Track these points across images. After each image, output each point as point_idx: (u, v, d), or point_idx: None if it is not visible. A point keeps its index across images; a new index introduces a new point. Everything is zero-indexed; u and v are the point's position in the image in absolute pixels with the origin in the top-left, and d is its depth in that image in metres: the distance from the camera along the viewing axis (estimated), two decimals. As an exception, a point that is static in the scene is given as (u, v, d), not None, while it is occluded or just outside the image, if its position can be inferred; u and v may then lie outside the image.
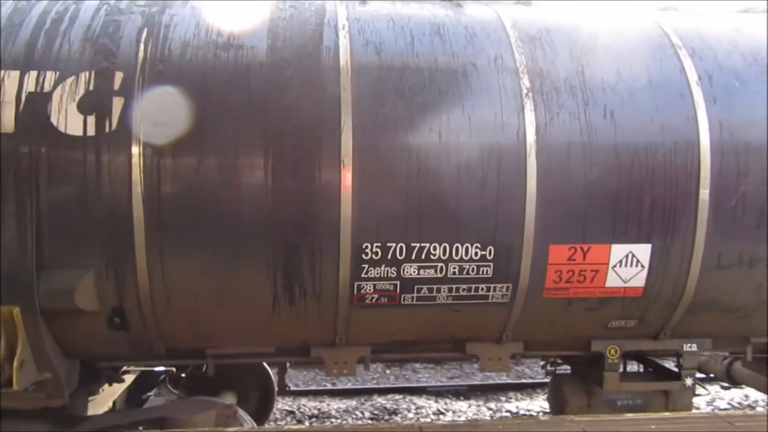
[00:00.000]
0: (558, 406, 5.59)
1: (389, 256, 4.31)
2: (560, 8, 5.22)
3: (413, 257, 4.33)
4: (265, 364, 6.54)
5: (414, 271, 4.37)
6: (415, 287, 4.43)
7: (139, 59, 4.20)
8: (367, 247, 4.27)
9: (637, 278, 4.58)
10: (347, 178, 4.16)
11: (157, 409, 4.90)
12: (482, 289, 4.50)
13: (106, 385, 5.53)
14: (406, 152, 4.25)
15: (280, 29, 4.47)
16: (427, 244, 4.32)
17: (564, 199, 4.39)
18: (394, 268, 4.35)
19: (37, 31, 4.24)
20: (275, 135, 4.17)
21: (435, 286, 4.45)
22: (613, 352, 5.04)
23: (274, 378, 6.60)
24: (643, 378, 5.46)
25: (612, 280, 4.57)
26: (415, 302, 4.49)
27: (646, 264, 4.55)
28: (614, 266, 4.53)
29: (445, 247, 4.34)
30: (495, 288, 4.50)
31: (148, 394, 6.03)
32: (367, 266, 4.32)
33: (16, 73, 4.06)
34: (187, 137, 4.10)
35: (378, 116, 4.25)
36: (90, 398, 5.23)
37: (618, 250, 4.50)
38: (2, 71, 4.04)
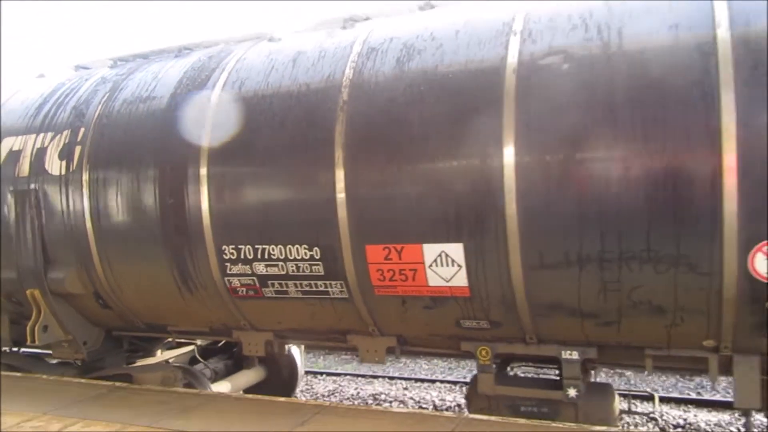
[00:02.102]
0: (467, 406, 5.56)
1: (242, 256, 5.21)
2: (434, 13, 5.33)
3: (260, 257, 5.15)
4: (294, 348, 7.75)
5: (263, 269, 5.18)
6: (269, 282, 5.22)
7: (95, 117, 5.94)
8: (225, 248, 5.25)
9: (458, 277, 4.55)
10: (204, 194, 5.22)
11: (125, 368, 6.57)
12: (320, 285, 5.05)
13: (159, 352, 7.47)
14: (246, 174, 5.11)
15: (185, 83, 5.73)
16: (268, 246, 5.09)
17: (374, 202, 4.68)
18: (248, 266, 5.22)
19: (52, 103, 6.32)
20: (163, 164, 5.46)
21: (283, 282, 5.16)
22: (483, 353, 4.96)
23: (300, 361, 7.76)
24: (529, 384, 5.10)
25: (433, 279, 4.63)
26: (275, 295, 5.28)
27: (463, 263, 4.50)
28: (430, 265, 4.60)
29: (280, 249, 5.05)
30: (330, 284, 5.01)
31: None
32: (229, 264, 5.29)
33: (33, 136, 6.18)
34: (113, 170, 5.67)
35: (230, 149, 5.20)
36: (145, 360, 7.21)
37: (430, 250, 4.57)
38: (26, 135, 6.20)
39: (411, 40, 4.91)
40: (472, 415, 4.66)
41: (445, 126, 4.47)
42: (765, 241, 3.73)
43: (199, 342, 7.55)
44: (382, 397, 9.03)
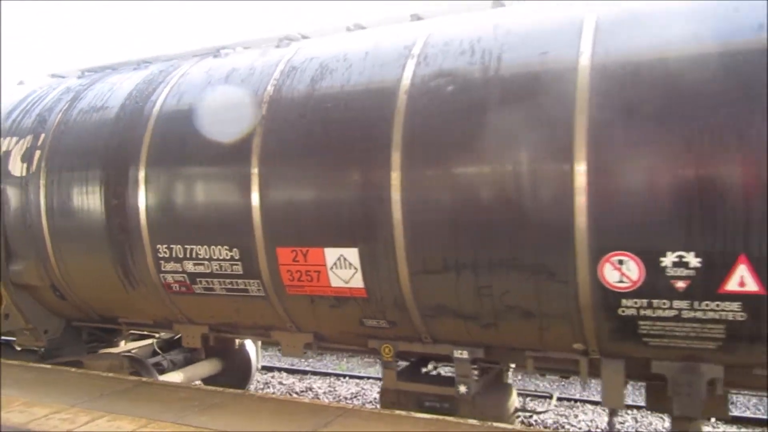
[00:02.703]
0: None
1: (174, 255, 5.69)
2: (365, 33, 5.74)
3: (189, 256, 5.62)
4: (246, 343, 8.21)
5: (192, 267, 5.65)
6: (197, 279, 5.69)
7: (55, 123, 6.49)
8: (159, 247, 5.74)
9: (356, 279, 4.96)
10: (142, 196, 5.72)
11: (75, 355, 7.08)
12: (240, 283, 5.50)
13: (123, 343, 7.99)
14: (176, 179, 5.59)
15: (134, 95, 6.25)
16: (195, 246, 5.56)
17: (283, 209, 5.12)
18: (179, 265, 5.70)
19: (20, 110, 6.90)
20: (109, 168, 5.97)
21: (210, 279, 5.63)
22: (387, 350, 5.35)
23: (254, 356, 8.22)
24: (428, 380, 5.47)
25: (335, 281, 5.05)
26: (203, 292, 5.74)
27: (359, 266, 4.91)
28: (332, 268, 5.02)
29: (206, 249, 5.52)
30: (249, 283, 5.45)
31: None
32: (163, 262, 5.78)
33: (0, 140, 6.76)
34: (67, 173, 6.21)
35: (164, 156, 5.69)
36: (107, 349, 7.73)
37: (331, 253, 4.99)
38: (-1, 139, 6.78)
39: (327, 61, 5.34)
40: (496, 424, 4.69)
41: (345, 140, 4.88)
42: (612, 253, 4.06)
43: (162, 334, 8.05)
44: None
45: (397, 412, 5.11)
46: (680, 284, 3.94)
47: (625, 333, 4.29)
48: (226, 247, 5.41)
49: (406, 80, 4.80)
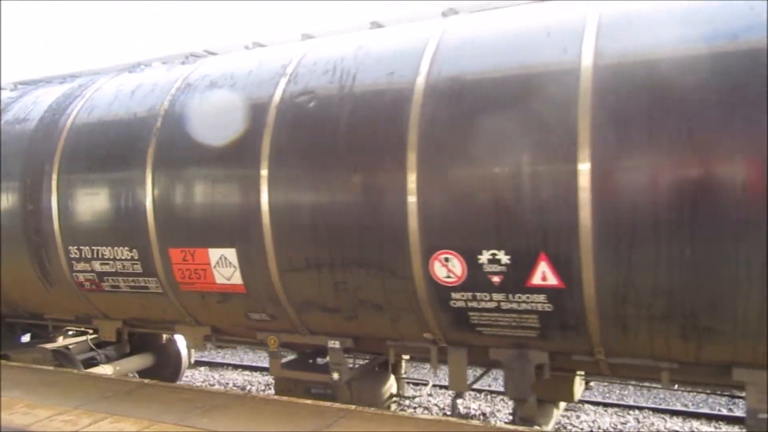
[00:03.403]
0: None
1: (83, 255, 6.21)
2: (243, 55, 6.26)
3: (96, 256, 6.14)
4: (177, 339, 8.72)
5: (99, 267, 6.17)
6: (104, 278, 6.21)
7: (-13, 132, 7.01)
8: (71, 249, 6.25)
9: (236, 277, 5.48)
10: (54, 201, 6.23)
11: (8, 350, 7.60)
12: (141, 281, 6.01)
13: (61, 338, 8.49)
14: (82, 184, 6.11)
15: (53, 107, 6.77)
16: (100, 247, 6.08)
17: (173, 212, 5.63)
18: (88, 264, 6.22)
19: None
20: (27, 176, 6.49)
21: (115, 278, 6.14)
22: (272, 341, 5.87)
23: (185, 352, 8.73)
24: (308, 368, 5.99)
25: (219, 278, 5.56)
26: (111, 289, 6.26)
27: (237, 265, 5.43)
28: (215, 266, 5.54)
29: (110, 249, 6.03)
30: (148, 281, 5.97)
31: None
32: (74, 262, 6.29)
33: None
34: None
35: (73, 165, 6.21)
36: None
37: (214, 253, 5.51)
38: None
39: (217, 78, 5.86)
40: (499, 425, 4.83)
41: (223, 149, 5.40)
42: (439, 251, 4.58)
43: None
44: (406, 402, 8.86)
45: (400, 413, 5.36)
46: (496, 279, 4.46)
47: (460, 323, 4.80)
48: (126, 248, 5.92)
49: (277, 97, 5.32)
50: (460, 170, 4.47)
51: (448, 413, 8.16)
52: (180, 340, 8.81)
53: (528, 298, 4.42)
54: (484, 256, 4.44)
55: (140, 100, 6.14)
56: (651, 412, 8.16)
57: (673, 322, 4.10)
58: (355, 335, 5.48)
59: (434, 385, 9.07)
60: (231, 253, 5.41)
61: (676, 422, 7.83)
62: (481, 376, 5.92)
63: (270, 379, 10.41)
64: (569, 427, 7.83)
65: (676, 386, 8.29)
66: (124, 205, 5.89)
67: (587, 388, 6.49)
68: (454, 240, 4.52)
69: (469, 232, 4.46)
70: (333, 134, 4.95)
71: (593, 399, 8.72)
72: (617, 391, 9.16)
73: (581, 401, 8.50)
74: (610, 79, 4.12)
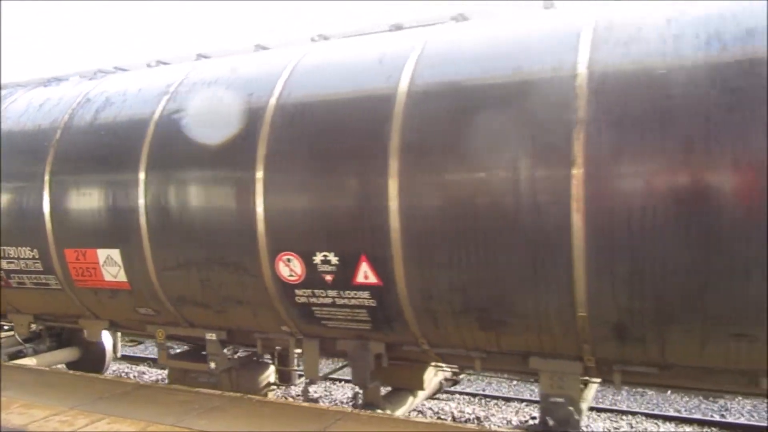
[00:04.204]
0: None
1: (-8, 254, 6.79)
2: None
3: (3, 255, 6.72)
4: (106, 335, 9.28)
5: (6, 265, 6.74)
6: (12, 275, 6.79)
7: None
8: (-20, 248, 6.84)
9: (121, 275, 6.07)
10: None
11: None
12: (42, 278, 6.60)
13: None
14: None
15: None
16: (6, 247, 6.66)
17: (66, 216, 6.22)
18: (-3, 263, 6.80)
19: None
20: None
21: (21, 275, 6.73)
22: (160, 334, 6.47)
23: (109, 347, 9.29)
24: (191, 358, 6.58)
25: (107, 276, 6.16)
26: (18, 286, 6.84)
27: (121, 264, 6.02)
28: (103, 265, 6.13)
29: (14, 249, 6.62)
30: (48, 278, 6.55)
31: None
32: (-15, 260, 6.88)
33: None
34: None
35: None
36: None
37: (102, 254, 6.10)
38: None
39: (112, 95, 6.47)
40: (494, 428, 5.03)
41: (110, 161, 6.00)
42: (282, 253, 5.18)
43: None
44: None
45: (395, 415, 5.57)
46: (328, 277, 5.07)
47: (307, 317, 5.41)
48: (28, 247, 6.51)
49: (157, 113, 5.93)
50: (296, 183, 5.08)
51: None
52: (105, 336, 9.38)
53: (355, 294, 5.03)
54: (318, 258, 5.05)
55: (46, 112, 6.73)
56: (644, 417, 8.35)
57: (471, 316, 4.72)
58: (227, 328, 6.08)
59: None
60: (116, 254, 6.00)
61: (669, 427, 8.04)
62: (340, 368, 6.52)
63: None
64: (562, 428, 8.11)
65: (669, 392, 8.85)
66: (26, 208, 6.47)
67: (455, 380, 7.08)
68: (294, 243, 5.13)
69: (305, 237, 5.07)
70: (199, 147, 5.55)
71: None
72: (610, 396, 9.36)
73: None
74: (418, 102, 4.74)
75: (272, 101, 5.36)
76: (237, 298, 5.60)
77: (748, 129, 3.74)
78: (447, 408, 8.69)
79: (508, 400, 9.18)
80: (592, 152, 4.09)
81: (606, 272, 4.14)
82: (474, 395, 9.47)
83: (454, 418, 8.27)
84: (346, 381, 10.03)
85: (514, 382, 9.83)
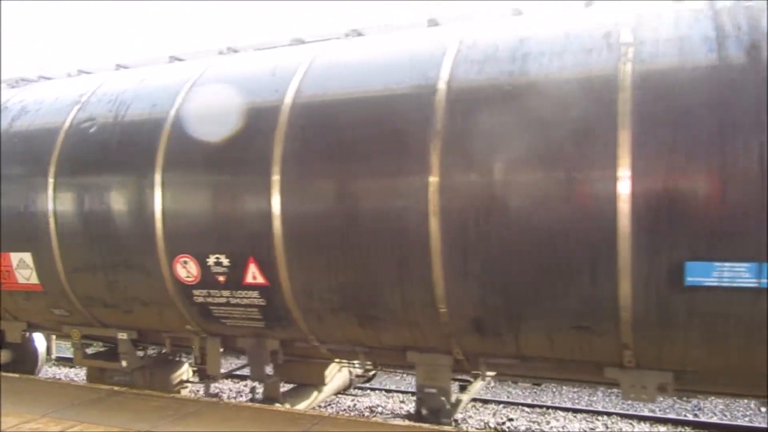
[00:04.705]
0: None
1: None
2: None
3: (-77, 259, 6.90)
4: (34, 337, 9.46)
5: (-73, 268, 6.93)
6: (-68, 278, 6.97)
7: None
8: None
9: (33, 277, 6.31)
10: None
11: None
12: (-35, 280, 6.79)
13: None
14: None
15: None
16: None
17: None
18: None
19: None
20: None
21: (-60, 278, 6.91)
22: (75, 334, 6.71)
23: (42, 349, 9.47)
24: (104, 358, 6.83)
25: (20, 278, 6.39)
26: (-61, 288, 7.02)
27: (33, 267, 6.26)
28: (16, 268, 6.36)
29: (-67, 253, 6.80)
30: (-32, 280, 6.75)
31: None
32: None
33: None
34: None
35: None
36: None
37: (15, 257, 6.33)
38: None
39: (28, 104, 6.72)
40: (472, 430, 5.12)
41: (22, 165, 6.25)
42: (179, 255, 5.48)
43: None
44: (379, 409, 8.99)
45: (373, 419, 5.60)
46: (221, 278, 5.38)
47: (206, 316, 5.71)
48: (-52, 251, 6.71)
49: (68, 123, 6.19)
50: (190, 189, 5.39)
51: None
52: (38, 338, 9.56)
53: (246, 294, 5.35)
54: (211, 260, 5.36)
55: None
56: (619, 418, 8.48)
57: (350, 313, 5.07)
58: (137, 328, 6.35)
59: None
60: (28, 257, 6.25)
61: (643, 427, 8.17)
62: (242, 367, 6.82)
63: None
64: (540, 432, 8.22)
65: None
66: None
67: (367, 377, 7.42)
68: (189, 246, 5.43)
69: (199, 240, 5.37)
70: (105, 154, 5.83)
71: (563, 405, 9.03)
72: (586, 397, 9.53)
73: (551, 407, 8.87)
74: (300, 114, 5.08)
75: (172, 112, 5.66)
76: (142, 298, 5.88)
77: (581, 143, 4.15)
78: None
79: (485, 401, 9.30)
80: (447, 161, 4.47)
81: (461, 271, 4.51)
82: None
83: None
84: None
85: (492, 385, 10.02)
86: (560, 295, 4.31)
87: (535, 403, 9.12)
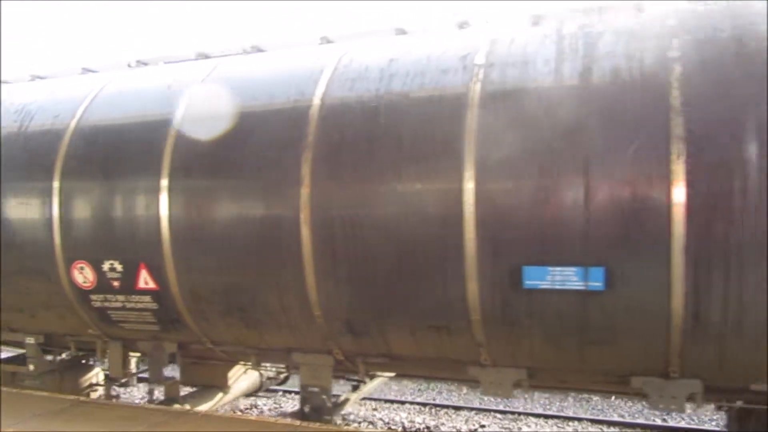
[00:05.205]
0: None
1: None
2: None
3: None
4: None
5: None
6: None
7: None
8: None
9: (-60, 283, 6.45)
10: None
11: None
12: None
13: None
14: None
15: None
16: None
17: None
18: None
19: None
20: None
21: None
22: (-15, 339, 6.85)
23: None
24: (17, 362, 7.00)
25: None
26: None
27: (-60, 273, 6.40)
28: (-76, 274, 6.49)
29: None
30: None
31: None
32: None
33: None
34: None
35: None
36: None
37: None
38: None
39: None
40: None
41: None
42: (76, 261, 5.69)
43: None
44: (351, 417, 8.99)
45: (345, 428, 5.71)
46: (116, 283, 5.61)
47: (105, 320, 5.93)
48: None
49: (-22, 132, 6.36)
50: (85, 197, 5.62)
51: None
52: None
53: (140, 298, 5.59)
54: (106, 265, 5.58)
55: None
56: (589, 423, 8.69)
57: (235, 316, 5.33)
58: (43, 332, 6.53)
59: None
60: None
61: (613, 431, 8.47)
62: (143, 372, 7.01)
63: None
64: (512, 438, 8.42)
65: (613, 397, 9.25)
66: None
67: (279, 379, 7.67)
68: (85, 252, 5.65)
69: (94, 246, 5.60)
70: (13, 163, 6.01)
71: (534, 411, 9.23)
72: (557, 403, 9.72)
73: (522, 413, 9.09)
74: (188, 127, 5.35)
75: (73, 123, 5.89)
76: (46, 304, 6.08)
77: (436, 157, 4.48)
78: (397, 418, 8.98)
79: (457, 408, 9.43)
80: (317, 173, 4.77)
81: (330, 276, 4.82)
82: (424, 404, 9.70)
83: (404, 428, 8.53)
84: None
85: (464, 392, 10.19)
86: (419, 297, 4.63)
87: (507, 409, 9.32)
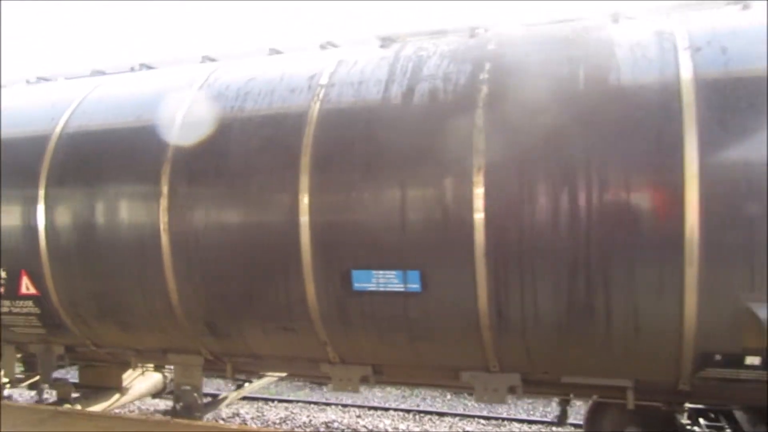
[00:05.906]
0: None
1: None
2: None
3: None
4: None
5: None
6: None
7: None
8: None
9: None
10: None
11: None
12: None
13: None
14: None
15: None
16: None
17: None
18: None
19: None
20: None
21: None
22: None
23: None
24: None
25: None
26: None
27: None
28: None
29: None
30: None
31: None
32: None
33: None
34: None
35: None
36: None
37: None
38: None
39: None
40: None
41: None
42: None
43: None
44: (335, 425, 9.11)
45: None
46: (1, 289, 5.92)
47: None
48: None
49: None
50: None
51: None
52: None
53: (24, 304, 5.91)
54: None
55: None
56: (573, 428, 8.72)
57: (109, 319, 5.67)
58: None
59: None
60: None
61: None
62: (62, 368, 7.30)
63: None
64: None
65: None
66: None
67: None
68: (-24, 260, 5.96)
69: (-21, 254, 5.91)
70: None
71: (518, 416, 9.42)
72: (541, 408, 9.87)
73: (506, 419, 9.27)
74: (63, 144, 5.70)
75: None
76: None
77: (278, 171, 4.86)
78: (381, 425, 9.07)
79: (441, 414, 9.60)
80: (173, 183, 5.14)
81: (188, 279, 5.18)
82: (408, 411, 9.81)
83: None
84: (280, 401, 10.54)
85: (448, 397, 10.40)
86: (268, 300, 5.00)
87: (491, 415, 9.46)
